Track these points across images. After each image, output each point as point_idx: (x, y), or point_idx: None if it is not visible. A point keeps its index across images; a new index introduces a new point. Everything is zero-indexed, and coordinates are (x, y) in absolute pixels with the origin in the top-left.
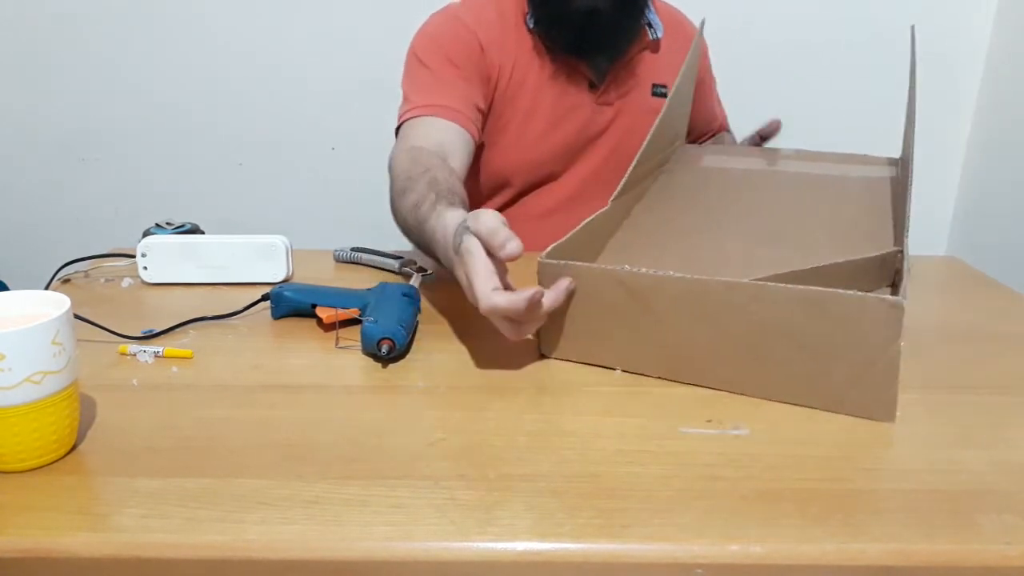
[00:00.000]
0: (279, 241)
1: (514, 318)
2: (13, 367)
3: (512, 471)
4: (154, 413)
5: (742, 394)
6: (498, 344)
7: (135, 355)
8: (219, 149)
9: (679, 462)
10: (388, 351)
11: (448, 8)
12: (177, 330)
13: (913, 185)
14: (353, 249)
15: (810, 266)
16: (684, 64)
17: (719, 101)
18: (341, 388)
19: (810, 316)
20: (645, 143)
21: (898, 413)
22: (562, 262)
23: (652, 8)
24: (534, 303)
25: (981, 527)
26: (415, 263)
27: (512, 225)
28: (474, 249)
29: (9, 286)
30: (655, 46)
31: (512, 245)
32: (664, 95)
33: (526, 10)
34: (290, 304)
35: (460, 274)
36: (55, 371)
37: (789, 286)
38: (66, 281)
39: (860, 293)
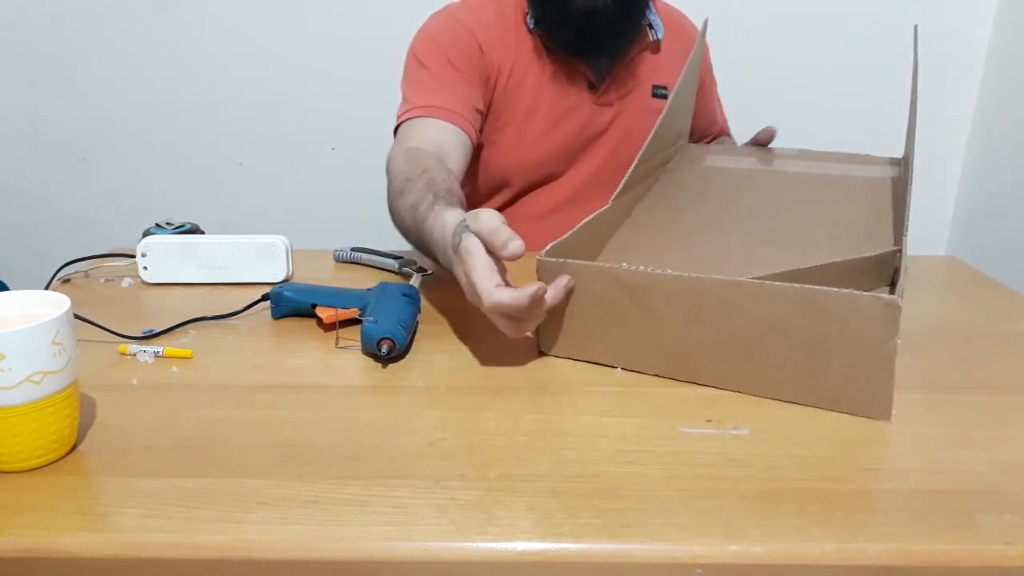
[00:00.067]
0: (279, 241)
1: (516, 315)
2: (13, 367)
3: (512, 471)
4: (154, 413)
5: (739, 392)
6: (498, 344)
7: (135, 355)
8: (219, 149)
9: (679, 462)
10: (388, 351)
11: (448, 8)
12: (177, 330)
13: (913, 185)
14: (353, 249)
15: (809, 265)
16: (687, 63)
17: (720, 105)
18: (341, 388)
19: (807, 314)
20: (647, 142)
21: (898, 413)
22: (561, 260)
23: (653, 9)
24: (537, 299)
25: (981, 527)
26: (415, 263)
27: (511, 225)
28: (473, 248)
29: (9, 286)
30: (656, 47)
31: (514, 244)
32: (664, 96)
33: (526, 10)
34: (290, 304)
35: (459, 273)
36: (55, 371)
37: (786, 284)
38: (66, 281)
39: (856, 292)
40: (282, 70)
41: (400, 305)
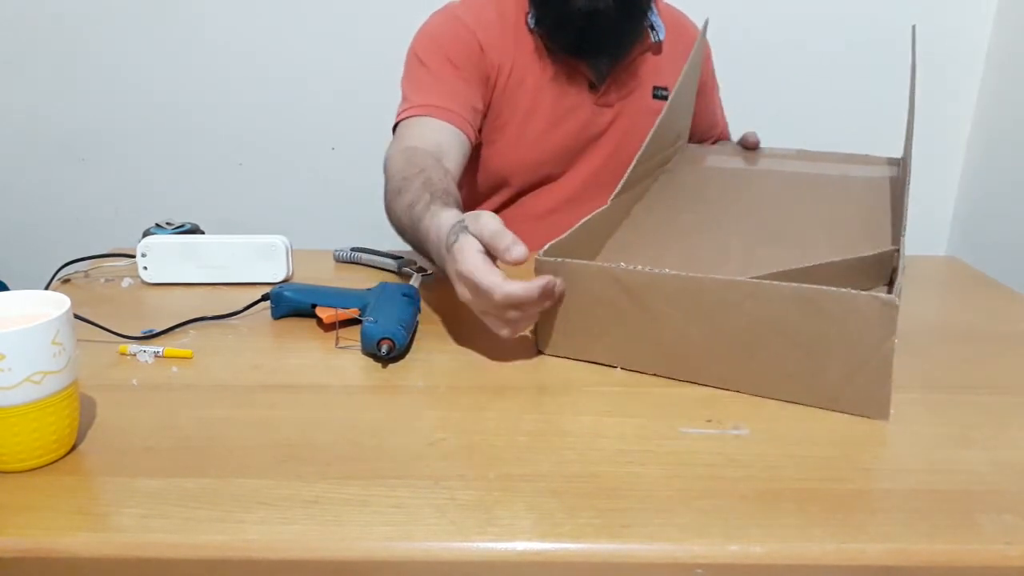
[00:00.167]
0: (279, 241)
1: (521, 309)
2: (13, 367)
3: (512, 471)
4: (154, 413)
5: (737, 391)
6: (498, 344)
7: (135, 355)
8: (219, 149)
9: (679, 462)
10: (388, 351)
11: (448, 8)
12: (177, 330)
13: (912, 185)
14: (353, 249)
15: (807, 264)
16: (687, 63)
17: (722, 108)
18: (341, 388)
19: (805, 314)
20: (646, 142)
21: (897, 413)
22: (559, 260)
23: (654, 10)
24: (547, 291)
25: (981, 527)
26: (415, 263)
27: (511, 225)
28: (467, 246)
29: (9, 286)
30: (657, 48)
31: (518, 249)
32: (665, 98)
33: (527, 10)
34: (290, 304)
35: (451, 272)
36: (55, 371)
37: (784, 284)
38: (66, 281)
39: (853, 291)
40: (282, 70)
41: (400, 305)
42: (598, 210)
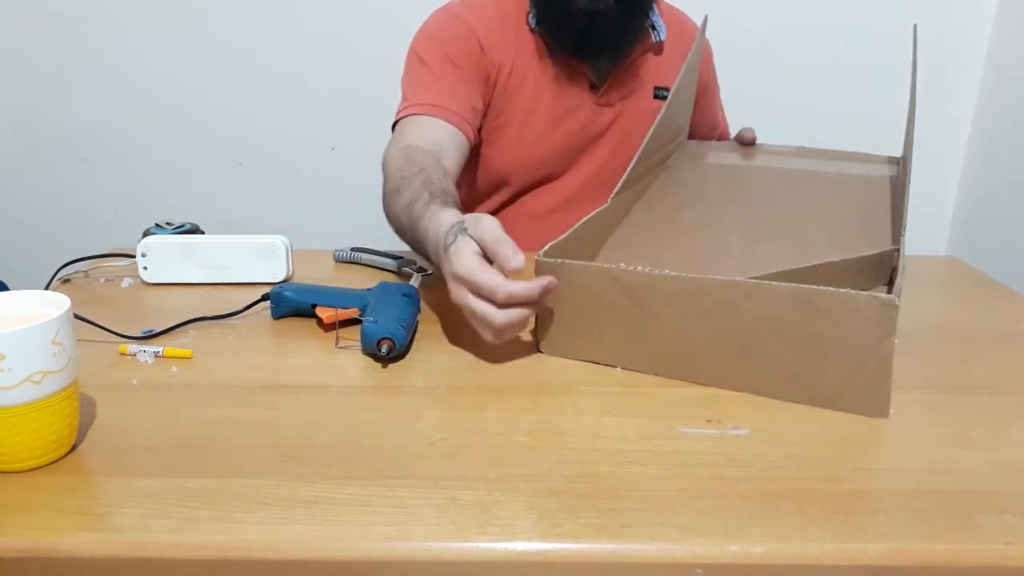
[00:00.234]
0: (279, 241)
1: (522, 308)
2: (13, 367)
3: (512, 471)
4: (154, 413)
5: (737, 391)
6: (498, 344)
7: (135, 355)
8: (219, 149)
9: (679, 462)
10: (388, 351)
11: (449, 7)
12: (177, 330)
13: (912, 184)
14: (353, 249)
15: (808, 264)
16: (687, 61)
17: (723, 111)
18: (341, 388)
19: (804, 314)
20: (646, 140)
21: (897, 413)
22: (559, 260)
23: (656, 10)
24: (548, 290)
25: (981, 527)
26: (415, 263)
27: (511, 225)
28: (466, 248)
29: (9, 286)
30: (658, 48)
31: (519, 259)
32: (666, 98)
33: (528, 9)
34: (290, 304)
35: (447, 272)
36: (55, 371)
37: (783, 284)
38: (66, 281)
39: (852, 291)
40: (282, 70)
41: (400, 305)
42: (598, 209)
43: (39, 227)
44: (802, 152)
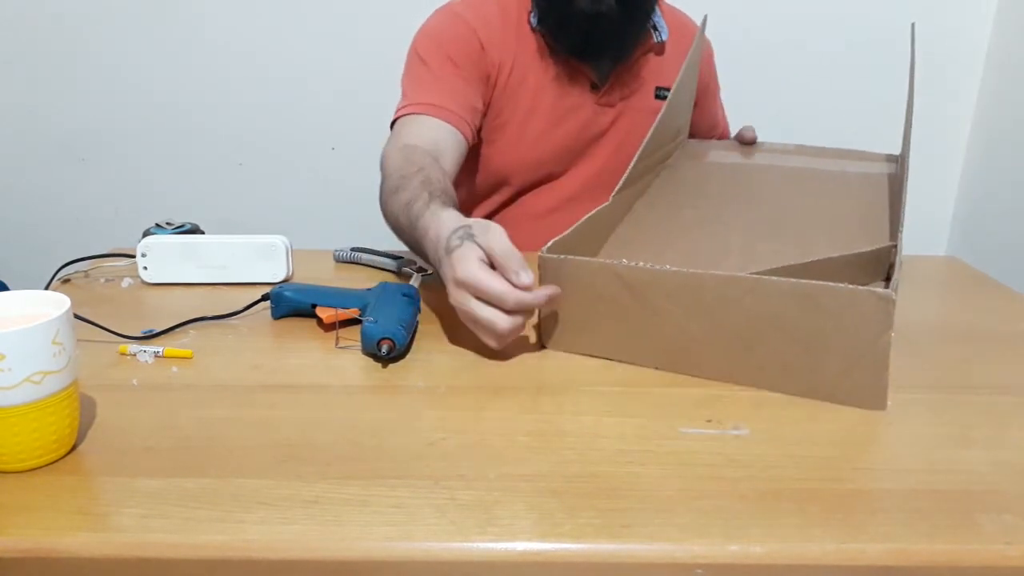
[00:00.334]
0: (279, 241)
1: (528, 313)
2: (13, 367)
3: (512, 471)
4: (154, 413)
5: (737, 385)
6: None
7: (135, 355)
8: (219, 149)
9: (679, 462)
10: (388, 351)
11: (449, 6)
12: (177, 330)
13: (912, 185)
14: (353, 249)
15: (807, 260)
16: (687, 59)
17: (723, 110)
18: (341, 388)
19: (803, 309)
20: (647, 139)
21: (898, 413)
22: (562, 257)
23: (658, 11)
24: (554, 298)
25: (981, 527)
26: (415, 263)
27: (511, 224)
28: (471, 254)
29: (9, 286)
30: (660, 49)
31: (528, 275)
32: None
33: (529, 8)
34: (290, 304)
35: (448, 276)
36: (55, 371)
37: (783, 279)
38: (66, 281)
39: (851, 286)
40: (282, 70)
41: (400, 305)
42: (600, 206)
43: (39, 227)
44: (802, 150)
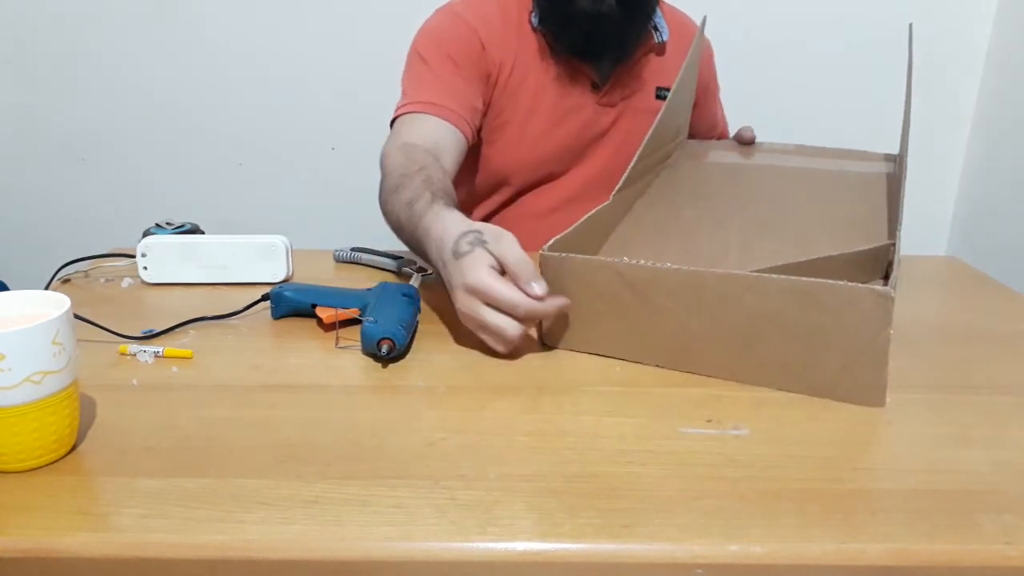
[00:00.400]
0: (279, 241)
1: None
2: (13, 367)
3: (512, 471)
4: (154, 413)
5: (738, 382)
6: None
7: (135, 355)
8: (219, 149)
9: (679, 462)
10: (388, 351)
11: (450, 5)
12: (177, 330)
13: (911, 185)
14: (353, 249)
15: (806, 259)
16: (686, 59)
17: (723, 111)
18: (341, 388)
19: (803, 306)
20: (647, 138)
21: (897, 413)
22: (563, 255)
23: (658, 12)
24: (564, 308)
25: (981, 527)
26: (415, 263)
27: (511, 224)
28: (482, 261)
29: (9, 286)
30: (660, 49)
31: (542, 286)
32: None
33: (530, 8)
34: (290, 304)
35: (456, 281)
36: (55, 371)
37: (783, 277)
38: (66, 281)
39: (850, 284)
40: (282, 70)
41: (400, 305)
42: (601, 206)
43: (39, 227)
44: (801, 150)
